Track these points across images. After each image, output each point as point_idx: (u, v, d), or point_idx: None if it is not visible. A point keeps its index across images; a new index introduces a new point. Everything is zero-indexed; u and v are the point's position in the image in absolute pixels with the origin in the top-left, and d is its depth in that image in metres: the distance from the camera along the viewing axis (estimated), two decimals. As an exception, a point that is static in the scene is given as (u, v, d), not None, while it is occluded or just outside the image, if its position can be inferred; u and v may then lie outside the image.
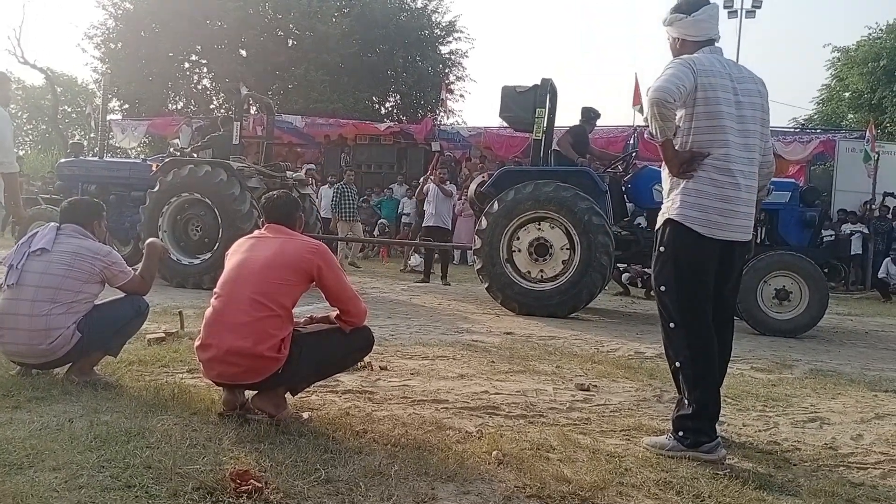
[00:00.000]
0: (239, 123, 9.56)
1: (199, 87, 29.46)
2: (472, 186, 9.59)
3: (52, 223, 3.87)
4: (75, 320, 3.64)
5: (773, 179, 10.07)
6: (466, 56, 30.39)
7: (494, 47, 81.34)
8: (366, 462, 2.70)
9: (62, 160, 11.87)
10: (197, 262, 8.92)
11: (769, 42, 72.98)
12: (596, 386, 4.38)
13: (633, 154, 9.69)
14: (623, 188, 8.65)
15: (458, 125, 22.79)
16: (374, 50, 27.39)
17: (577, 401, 4.00)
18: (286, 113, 20.89)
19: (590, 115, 9.37)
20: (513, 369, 4.78)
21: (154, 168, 9.50)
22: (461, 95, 31.25)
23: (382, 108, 29.18)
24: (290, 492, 2.39)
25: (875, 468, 3.13)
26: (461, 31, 29.47)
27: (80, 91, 40.69)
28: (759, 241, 7.99)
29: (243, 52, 27.56)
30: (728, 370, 5.21)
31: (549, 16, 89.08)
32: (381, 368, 4.48)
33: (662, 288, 3.23)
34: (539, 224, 7.95)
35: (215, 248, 8.73)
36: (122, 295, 3.91)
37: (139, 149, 26.92)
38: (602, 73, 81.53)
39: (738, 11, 25.66)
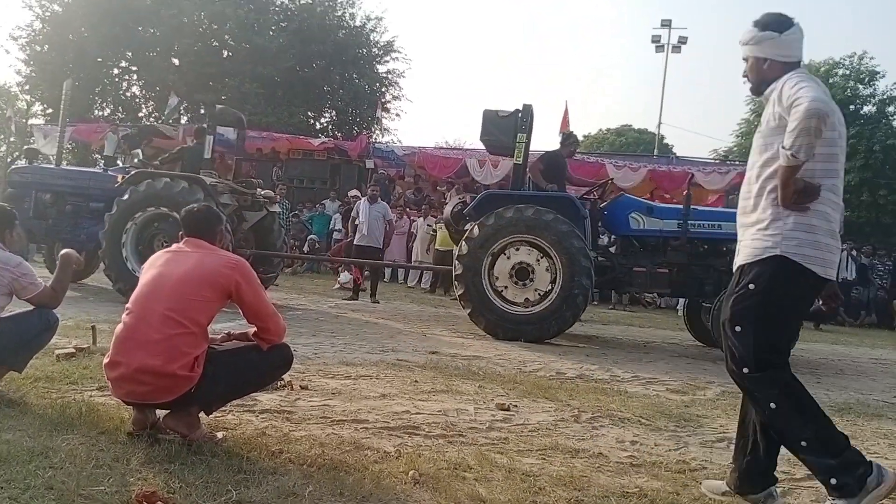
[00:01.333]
0: (212, 137, 9.29)
1: (128, 94, 28.69)
2: (448, 209, 9.54)
3: None
4: (-22, 333, 3.48)
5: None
6: (403, 76, 30.59)
7: (431, 68, 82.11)
8: (280, 483, 2.67)
9: (14, 166, 11.29)
10: None
11: (694, 76, 76.04)
12: (516, 406, 4.44)
13: (610, 181, 9.80)
14: (600, 214, 8.68)
15: (392, 143, 22.87)
16: (311, 65, 27.28)
17: (497, 420, 4.04)
18: (218, 124, 20.50)
19: (568, 140, 9.43)
20: (435, 389, 4.79)
21: (119, 179, 9.11)
22: (397, 114, 31.49)
23: (317, 124, 29.02)
24: (198, 513, 2.34)
25: (777, 486, 3.26)
26: (398, 52, 29.70)
27: (2, 94, 39.02)
28: (728, 269, 8.13)
29: (176, 61, 27.01)
30: (643, 391, 5.42)
31: (486, 40, 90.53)
32: (302, 388, 4.43)
33: (738, 328, 2.89)
34: (518, 248, 7.96)
35: None
36: (31, 308, 3.76)
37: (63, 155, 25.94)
38: (536, 99, 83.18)
39: (665, 46, 26.69)
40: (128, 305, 3.14)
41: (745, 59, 3.07)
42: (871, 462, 2.73)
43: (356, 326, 8.11)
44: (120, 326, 3.09)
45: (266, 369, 3.34)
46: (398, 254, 16.25)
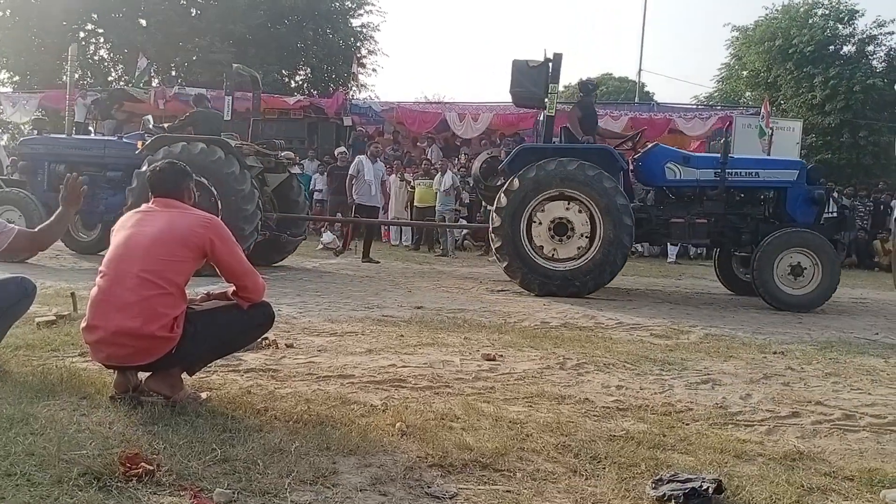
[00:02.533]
0: (231, 98, 9.10)
1: (96, 57, 27.92)
2: (476, 164, 9.34)
3: None
4: (-48, 303, 3.40)
5: (780, 158, 10.02)
6: (378, 30, 30.00)
7: (407, 22, 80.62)
8: (265, 440, 2.65)
9: (24, 138, 10.93)
10: None
11: (673, 21, 75.23)
12: (502, 356, 4.45)
13: (642, 131, 9.59)
14: (632, 166, 8.54)
15: (370, 100, 22.53)
16: (283, 22, 26.61)
17: (483, 370, 4.05)
18: (190, 85, 20.10)
19: (588, 87, 9.18)
20: (421, 342, 4.79)
21: (139, 146, 8.87)
22: (374, 69, 30.97)
23: (292, 82, 28.47)
24: (183, 473, 2.31)
25: (761, 424, 3.30)
26: (372, 4, 29.05)
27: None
28: (765, 218, 8.15)
29: (143, 22, 26.25)
30: (627, 337, 5.46)
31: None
32: (287, 346, 4.41)
33: None
34: (558, 203, 7.80)
35: None
36: (7, 276, 3.67)
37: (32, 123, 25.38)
38: (515, 50, 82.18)
39: (644, -10, 26.30)
40: (101, 268, 3.07)
41: None
42: None
43: (341, 285, 8.08)
44: (95, 290, 3.03)
45: (247, 328, 3.29)
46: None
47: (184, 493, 2.19)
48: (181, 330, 2.96)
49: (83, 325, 3.04)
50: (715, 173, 7.98)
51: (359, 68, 27.60)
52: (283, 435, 2.71)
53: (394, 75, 67.54)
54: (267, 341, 4.26)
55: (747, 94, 27.57)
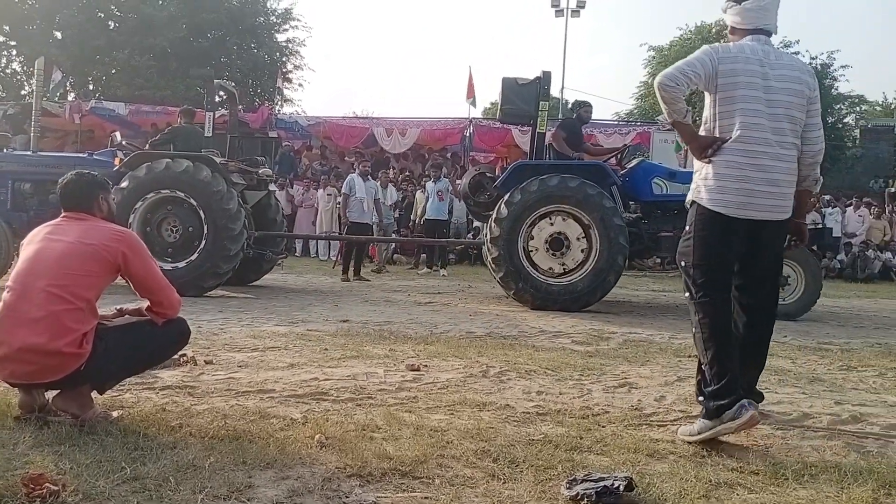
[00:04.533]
0: (212, 115, 8.85)
1: (8, 70, 26.84)
2: (465, 180, 9.29)
3: None
4: None
5: None
6: (304, 45, 29.87)
7: (333, 37, 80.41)
8: (179, 457, 2.58)
9: None
10: (181, 265, 7.99)
11: (594, 41, 77.56)
12: (426, 366, 4.46)
13: (628, 147, 9.64)
14: (621, 181, 8.51)
15: (296, 115, 22.31)
16: (205, 35, 26.21)
17: (407, 381, 4.05)
18: (108, 100, 19.53)
19: (579, 105, 9.27)
20: (346, 355, 4.76)
21: (116, 163, 8.48)
22: (300, 84, 30.69)
23: (216, 96, 27.95)
24: (90, 493, 2.24)
25: (674, 424, 3.41)
26: (297, 20, 28.91)
27: None
28: None
29: (58, 34, 25.41)
30: (550, 344, 5.55)
31: (388, 6, 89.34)
32: (206, 363, 4.31)
33: (683, 263, 3.36)
34: (552, 218, 7.83)
35: (200, 249, 8.02)
36: None
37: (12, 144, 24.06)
38: (441, 66, 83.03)
39: (564, 11, 27.02)
40: (8, 283, 2.95)
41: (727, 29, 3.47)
42: (741, 401, 3.01)
43: (265, 300, 7.96)
44: (0, 305, 2.90)
45: (161, 345, 3.21)
46: (306, 228, 15.99)
47: (90, 513, 2.12)
48: (90, 346, 2.86)
49: None
50: None
51: (284, 83, 27.35)
52: (198, 451, 2.65)
53: (321, 92, 67.03)
54: (185, 358, 4.16)
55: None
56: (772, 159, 3.20)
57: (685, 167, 16.22)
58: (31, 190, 8.95)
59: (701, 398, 3.19)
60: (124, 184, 8.18)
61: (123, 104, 19.15)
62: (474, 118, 19.66)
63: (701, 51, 3.27)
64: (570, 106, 9.61)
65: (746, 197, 3.18)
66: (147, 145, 9.33)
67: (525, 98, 8.24)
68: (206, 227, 8.09)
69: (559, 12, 26.95)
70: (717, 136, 3.24)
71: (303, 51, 29.30)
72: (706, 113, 3.34)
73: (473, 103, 19.66)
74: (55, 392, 2.98)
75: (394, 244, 14.93)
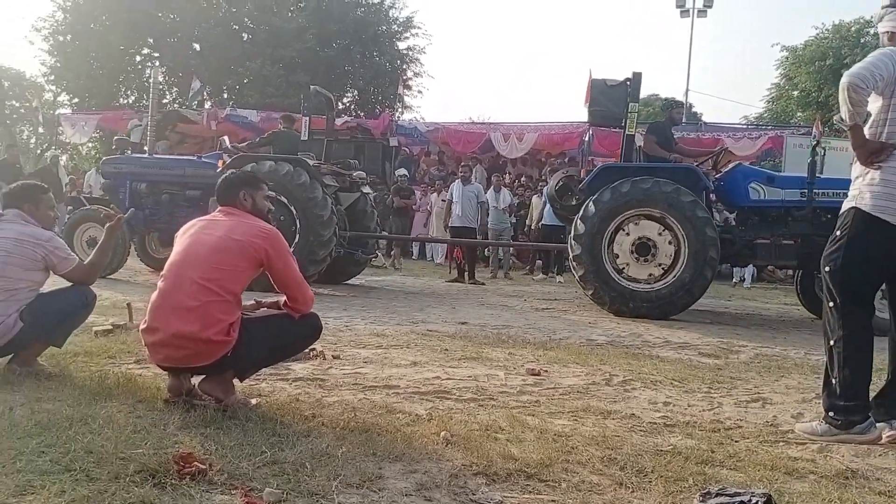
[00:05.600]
0: (308, 119, 9.30)
1: (152, 80, 28.88)
2: (552, 184, 9.33)
3: None
4: (17, 308, 3.55)
5: None
6: (424, 52, 30.40)
7: (452, 43, 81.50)
8: (313, 444, 2.69)
9: (107, 157, 11.26)
10: None
11: (721, 41, 74.55)
12: (546, 371, 4.43)
13: (724, 150, 9.34)
14: (713, 186, 8.31)
15: (415, 121, 22.76)
16: (331, 45, 27.18)
17: (528, 385, 4.04)
18: (241, 107, 20.64)
19: (670, 105, 9.14)
20: (465, 356, 4.81)
21: (220, 165, 9.09)
22: (419, 91, 31.31)
23: (340, 104, 28.97)
24: (234, 473, 2.37)
25: (813, 443, 3.22)
26: (418, 27, 29.49)
27: (29, 85, 39.52)
28: None
29: (197, 46, 27.11)
30: (675, 355, 5.38)
31: (506, 12, 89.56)
32: (334, 357, 4.47)
33: (827, 269, 3.34)
34: (638, 223, 7.63)
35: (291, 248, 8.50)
36: (69, 285, 3.82)
37: (90, 144, 26.31)
38: (560, 70, 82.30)
39: (690, 11, 26.17)
40: (163, 273, 3.19)
41: (886, 34, 3.45)
42: (870, 419, 3.20)
43: (386, 301, 8.15)
44: (155, 293, 3.14)
45: (297, 337, 3.38)
46: (419, 231, 16.25)
47: (235, 492, 2.24)
48: (236, 335, 3.05)
49: (142, 326, 3.17)
50: (801, 193, 7.74)
51: (404, 90, 27.98)
52: (331, 440, 2.75)
53: (439, 97, 68.18)
54: (314, 352, 4.33)
55: (798, 114, 27.12)
56: None
57: (821, 173, 15.35)
58: (147, 190, 9.69)
59: (831, 413, 3.24)
60: None
61: (255, 112, 20.18)
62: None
63: (882, 53, 3.23)
64: (661, 106, 9.22)
65: None
66: (248, 148, 9.77)
67: (614, 100, 8.01)
68: (298, 230, 8.33)
69: (685, 13, 26.13)
70: (885, 141, 3.22)
71: (422, 58, 29.86)
72: (875, 117, 3.26)
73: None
74: (200, 378, 3.18)
75: (510, 250, 14.90)
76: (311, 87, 10.13)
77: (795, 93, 26.89)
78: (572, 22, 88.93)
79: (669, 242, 7.55)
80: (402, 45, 29.55)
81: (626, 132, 8.08)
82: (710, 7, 26.05)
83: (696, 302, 7.73)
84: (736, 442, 3.16)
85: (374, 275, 11.90)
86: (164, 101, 27.71)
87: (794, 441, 3.25)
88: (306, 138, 9.19)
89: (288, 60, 25.51)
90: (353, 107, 28.98)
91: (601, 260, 7.64)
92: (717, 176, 8.39)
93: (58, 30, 26.84)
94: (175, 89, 27.97)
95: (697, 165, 8.51)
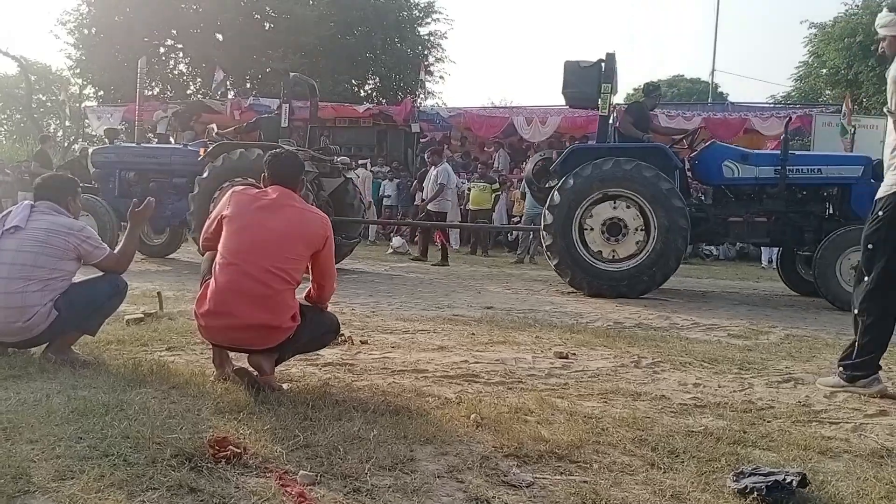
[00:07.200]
0: (288, 105, 9.38)
1: (175, 71, 29.12)
2: (529, 166, 9.36)
3: (27, 201, 3.83)
4: (52, 298, 3.61)
5: (844, 154, 9.90)
6: (445, 37, 30.32)
7: (473, 28, 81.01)
8: (345, 428, 2.72)
9: (96, 147, 11.54)
10: None
11: (748, 19, 73.23)
12: (574, 354, 4.42)
13: (700, 129, 9.38)
14: (688, 164, 8.38)
15: (437, 106, 22.71)
16: (352, 32, 27.19)
17: (556, 368, 4.04)
18: (263, 97, 20.71)
19: (649, 89, 9.16)
20: (493, 340, 4.81)
21: (201, 153, 9.27)
22: (441, 77, 31.23)
23: (362, 91, 29.00)
24: (269, 457, 2.40)
25: (847, 423, 3.19)
26: (439, 13, 29.41)
27: (55, 79, 40.04)
28: (828, 215, 7.94)
29: (219, 36, 27.25)
30: (704, 337, 5.34)
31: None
32: (362, 343, 4.50)
33: (870, 246, 3.64)
34: (614, 202, 7.63)
35: None
36: (101, 273, 3.88)
37: (123, 136, 26.61)
38: (583, 51, 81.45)
39: (716, -12, 25.68)
40: (227, 257, 3.14)
41: (883, 39, 3.68)
42: (876, 375, 3.68)
43: (411, 287, 8.18)
44: (222, 276, 3.11)
45: (331, 329, 3.47)
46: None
47: (269, 475, 2.27)
48: (298, 321, 3.15)
49: (204, 308, 3.14)
50: (775, 170, 7.73)
51: (426, 76, 27.89)
52: (362, 424, 2.77)
53: (461, 82, 67.83)
54: (343, 338, 4.36)
55: (827, 92, 26.61)
56: None
57: (851, 151, 15.09)
58: (135, 178, 9.88)
59: (841, 367, 3.76)
60: (205, 174, 8.77)
61: (278, 101, 20.25)
62: (617, 104, 19.16)
63: None
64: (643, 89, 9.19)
65: None
66: (234, 133, 9.94)
67: (587, 80, 7.98)
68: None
69: (709, -8, 25.68)
70: None
71: (444, 43, 29.76)
72: None
73: (614, 90, 19.14)
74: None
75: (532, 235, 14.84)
76: (291, 74, 10.16)
77: (824, 70, 26.33)
78: (596, 2, 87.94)
79: (640, 226, 7.56)
80: (423, 31, 29.50)
81: (600, 113, 8.10)
82: (736, -16, 25.54)
83: (669, 280, 7.83)
84: (768, 422, 3.14)
85: (399, 261, 11.90)
86: (188, 91, 27.96)
87: (828, 420, 3.22)
88: (286, 125, 9.21)
89: (310, 48, 25.56)
90: (375, 94, 28.97)
91: (574, 246, 7.68)
92: (691, 155, 8.38)
93: (82, 23, 27.15)
94: (199, 80, 28.18)
95: (672, 146, 8.49)
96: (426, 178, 12.37)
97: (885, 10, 3.66)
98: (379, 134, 19.98)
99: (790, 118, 10.66)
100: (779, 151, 8.24)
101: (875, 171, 7.72)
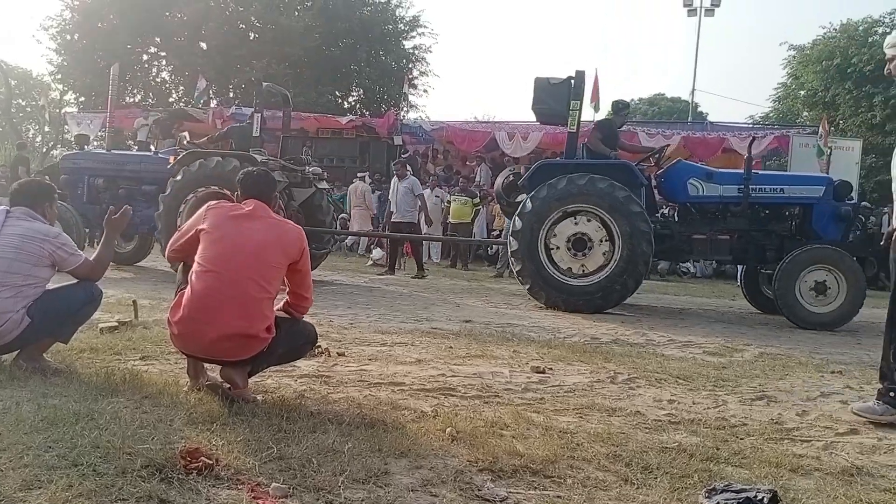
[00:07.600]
0: (260, 115, 9.36)
1: (158, 79, 28.97)
2: (499, 181, 9.42)
3: (2, 206, 3.78)
4: (25, 305, 3.56)
5: (806, 174, 10.08)
6: (430, 51, 30.43)
7: (458, 43, 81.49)
8: (319, 440, 2.70)
9: (66, 153, 11.43)
10: None
11: (728, 40, 74.38)
12: (551, 369, 4.43)
13: (666, 147, 9.50)
14: (655, 182, 8.47)
15: (420, 120, 22.76)
16: (337, 44, 27.24)
17: (533, 382, 4.04)
18: (246, 106, 20.63)
19: (618, 107, 9.20)
20: (470, 354, 4.81)
21: (171, 160, 9.23)
22: (424, 90, 31.28)
23: (345, 103, 29.01)
24: (241, 468, 2.38)
25: (818, 441, 3.23)
26: (424, 27, 29.51)
27: (36, 84, 39.67)
28: (790, 234, 8.04)
29: (203, 45, 27.15)
30: (679, 354, 5.38)
31: (512, 11, 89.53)
32: (339, 354, 4.48)
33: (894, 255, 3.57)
34: (574, 218, 7.72)
35: None
36: (75, 281, 3.84)
37: (96, 143, 26.38)
38: (565, 69, 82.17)
39: (698, 10, 26.09)
40: (204, 264, 3.12)
41: (891, 60, 3.71)
42: None
43: (390, 299, 8.16)
44: (200, 285, 3.09)
45: (307, 340, 3.46)
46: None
47: (241, 487, 2.25)
48: (274, 332, 3.14)
49: (179, 315, 3.11)
50: (738, 189, 7.85)
51: (410, 89, 27.97)
52: (336, 436, 2.76)
53: (444, 96, 68.18)
54: (319, 349, 4.34)
55: (805, 113, 27.05)
56: None
57: (827, 173, 15.33)
58: (104, 185, 9.83)
59: (888, 383, 3.52)
60: (178, 177, 8.76)
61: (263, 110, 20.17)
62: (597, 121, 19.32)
63: None
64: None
65: None
66: (208, 142, 9.97)
67: (556, 97, 8.06)
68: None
69: (692, 12, 26.06)
70: None
71: (428, 57, 29.87)
72: None
73: (597, 107, 19.32)
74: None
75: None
76: (263, 83, 10.17)
77: (802, 92, 26.78)
78: (578, 21, 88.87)
79: (604, 237, 7.66)
80: (408, 45, 29.60)
81: (569, 129, 8.16)
82: (718, 6, 25.98)
83: (646, 297, 8.08)
84: (741, 439, 3.16)
85: (378, 273, 11.89)
86: (171, 99, 27.81)
87: (800, 438, 3.25)
88: (257, 134, 9.21)
89: (294, 59, 25.54)
90: (358, 106, 28.99)
91: (538, 255, 7.75)
92: (658, 172, 8.49)
93: (65, 28, 26.93)
94: (181, 88, 28.03)
95: (638, 164, 8.58)
96: (391, 190, 12.45)
97: (894, 31, 3.78)
98: (361, 146, 19.98)
99: (753, 138, 10.85)
100: (734, 170, 8.38)
101: (837, 191, 7.89)
